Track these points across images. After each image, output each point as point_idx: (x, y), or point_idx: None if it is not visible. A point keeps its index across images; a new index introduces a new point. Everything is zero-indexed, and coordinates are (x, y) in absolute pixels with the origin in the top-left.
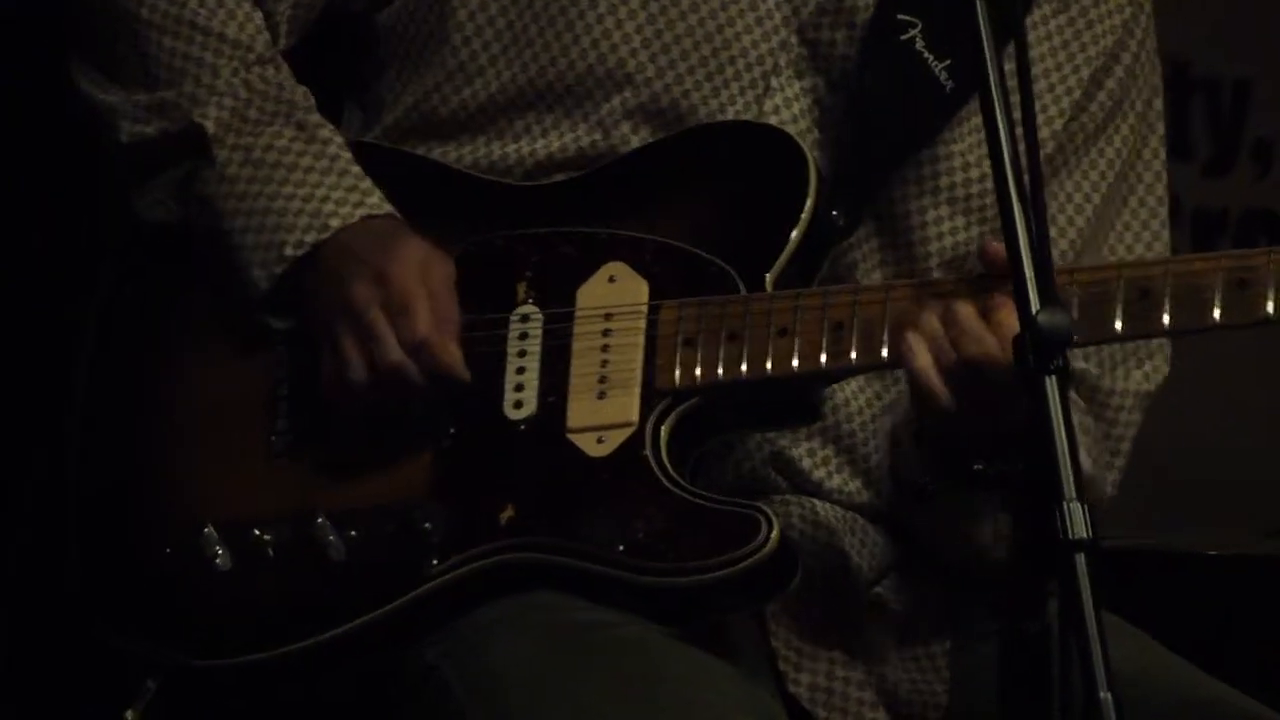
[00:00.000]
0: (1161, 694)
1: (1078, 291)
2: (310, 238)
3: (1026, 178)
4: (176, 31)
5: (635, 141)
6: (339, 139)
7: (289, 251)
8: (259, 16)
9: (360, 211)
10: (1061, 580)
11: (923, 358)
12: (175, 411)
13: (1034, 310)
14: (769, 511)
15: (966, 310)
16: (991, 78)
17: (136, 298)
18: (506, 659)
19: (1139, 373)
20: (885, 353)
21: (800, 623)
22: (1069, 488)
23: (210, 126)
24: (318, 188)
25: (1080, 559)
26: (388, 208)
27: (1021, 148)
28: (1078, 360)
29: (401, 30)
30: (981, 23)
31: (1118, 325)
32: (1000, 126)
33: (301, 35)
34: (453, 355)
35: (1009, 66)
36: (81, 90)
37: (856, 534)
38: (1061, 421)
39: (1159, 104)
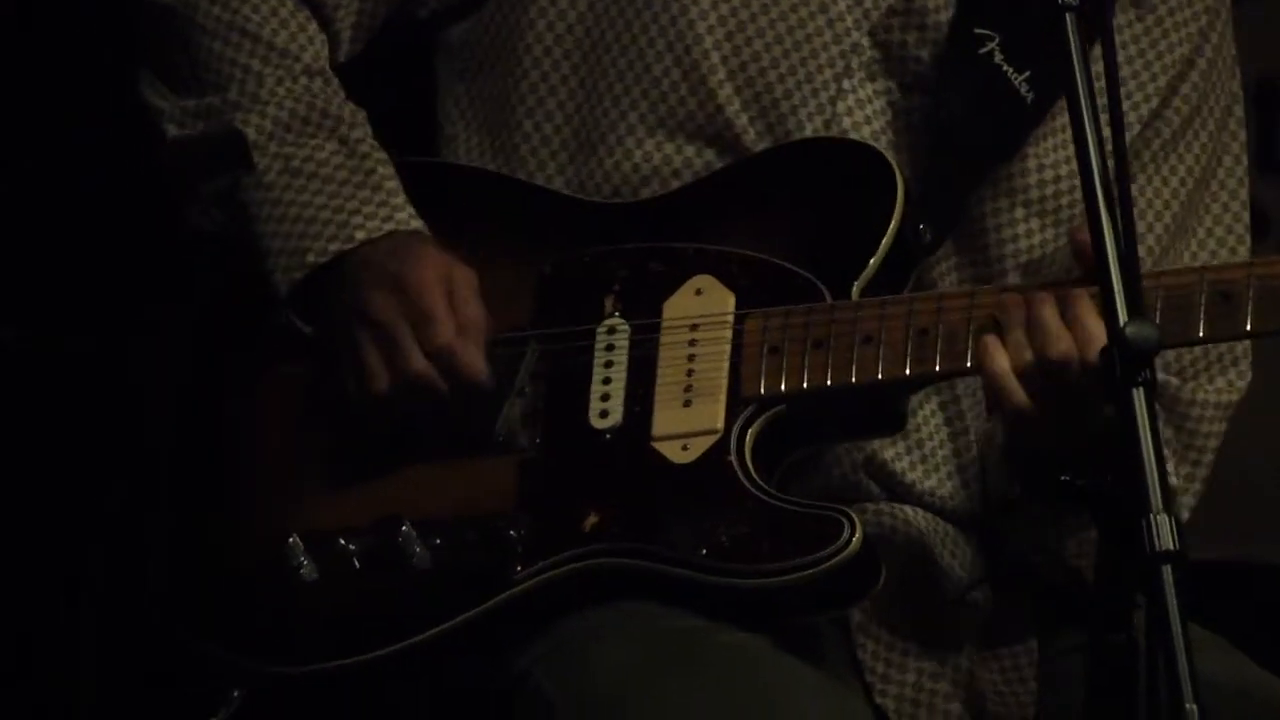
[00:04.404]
0: (1259, 710)
1: (1162, 295)
2: (334, 247)
3: (1116, 190)
4: (227, 38)
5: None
6: (382, 156)
7: (310, 259)
8: (313, 27)
9: (387, 226)
10: (1148, 593)
11: (999, 361)
12: (259, 425)
13: (1122, 323)
14: (851, 514)
15: (1047, 312)
16: (1081, 90)
17: (221, 313)
18: (604, 667)
19: (1221, 380)
20: (970, 359)
21: (888, 634)
22: (1155, 500)
23: (251, 134)
24: (349, 200)
25: (1166, 571)
26: (417, 224)
27: (1110, 161)
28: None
29: (475, 42)
30: (1071, 36)
31: (1200, 331)
32: (1089, 140)
33: (365, 43)
34: (475, 361)
35: (1094, 68)
36: (141, 95)
37: (948, 545)
38: (1149, 433)
39: (1239, 111)
